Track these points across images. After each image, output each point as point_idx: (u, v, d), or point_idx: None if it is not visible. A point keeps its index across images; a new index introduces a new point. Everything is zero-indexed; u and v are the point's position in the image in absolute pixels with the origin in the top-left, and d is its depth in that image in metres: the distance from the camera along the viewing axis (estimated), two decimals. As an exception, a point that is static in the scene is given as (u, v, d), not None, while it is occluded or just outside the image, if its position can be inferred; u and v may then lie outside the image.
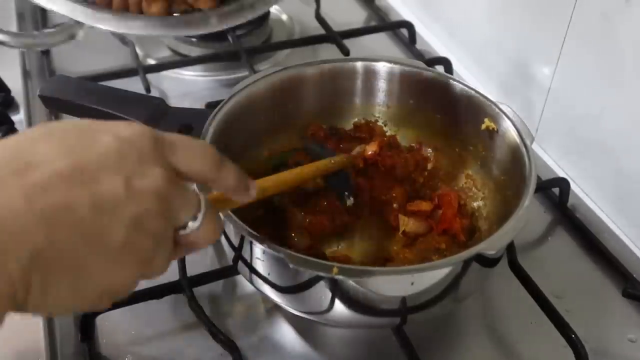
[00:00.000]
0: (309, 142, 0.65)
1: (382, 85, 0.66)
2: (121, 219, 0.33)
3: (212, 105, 0.61)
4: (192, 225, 0.38)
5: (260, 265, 0.50)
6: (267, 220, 0.58)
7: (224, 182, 0.40)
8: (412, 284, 0.47)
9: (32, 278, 0.31)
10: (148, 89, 0.80)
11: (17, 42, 0.79)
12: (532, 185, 0.51)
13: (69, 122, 0.36)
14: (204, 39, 0.92)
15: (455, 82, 0.63)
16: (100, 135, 0.35)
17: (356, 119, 0.68)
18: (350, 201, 0.59)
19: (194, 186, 0.41)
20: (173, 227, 0.37)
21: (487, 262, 0.51)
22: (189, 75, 0.90)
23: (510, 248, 0.61)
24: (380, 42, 0.97)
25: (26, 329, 0.55)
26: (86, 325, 0.56)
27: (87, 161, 0.33)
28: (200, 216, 0.38)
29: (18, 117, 0.78)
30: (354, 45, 0.89)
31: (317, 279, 0.47)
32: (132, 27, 0.79)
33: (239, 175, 0.41)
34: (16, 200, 0.30)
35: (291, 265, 0.45)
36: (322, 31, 0.94)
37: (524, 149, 0.55)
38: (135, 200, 0.33)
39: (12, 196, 0.30)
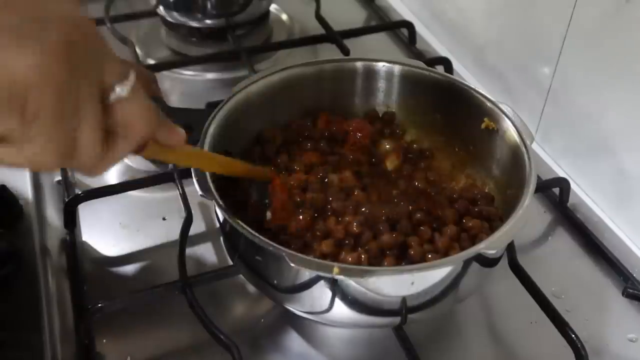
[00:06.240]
0: None
1: (382, 85, 0.66)
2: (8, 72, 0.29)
3: (212, 105, 0.61)
4: (119, 90, 0.32)
5: (260, 265, 0.50)
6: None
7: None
8: (412, 283, 0.47)
9: None
10: (148, 89, 0.80)
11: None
12: (532, 185, 0.52)
13: None
14: (204, 38, 0.92)
15: (455, 82, 0.63)
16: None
17: (356, 119, 0.68)
18: (267, 215, 0.56)
19: None
20: (94, 88, 0.30)
21: (487, 262, 0.52)
22: (189, 75, 0.90)
23: (510, 248, 0.61)
24: (380, 42, 0.97)
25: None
26: (81, 313, 0.56)
27: None
28: (129, 82, 0.32)
29: (18, 117, 0.78)
30: (354, 45, 0.89)
31: (317, 279, 0.47)
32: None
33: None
34: None
35: (291, 265, 0.45)
36: (322, 31, 0.93)
37: (524, 149, 0.55)
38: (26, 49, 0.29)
39: None
